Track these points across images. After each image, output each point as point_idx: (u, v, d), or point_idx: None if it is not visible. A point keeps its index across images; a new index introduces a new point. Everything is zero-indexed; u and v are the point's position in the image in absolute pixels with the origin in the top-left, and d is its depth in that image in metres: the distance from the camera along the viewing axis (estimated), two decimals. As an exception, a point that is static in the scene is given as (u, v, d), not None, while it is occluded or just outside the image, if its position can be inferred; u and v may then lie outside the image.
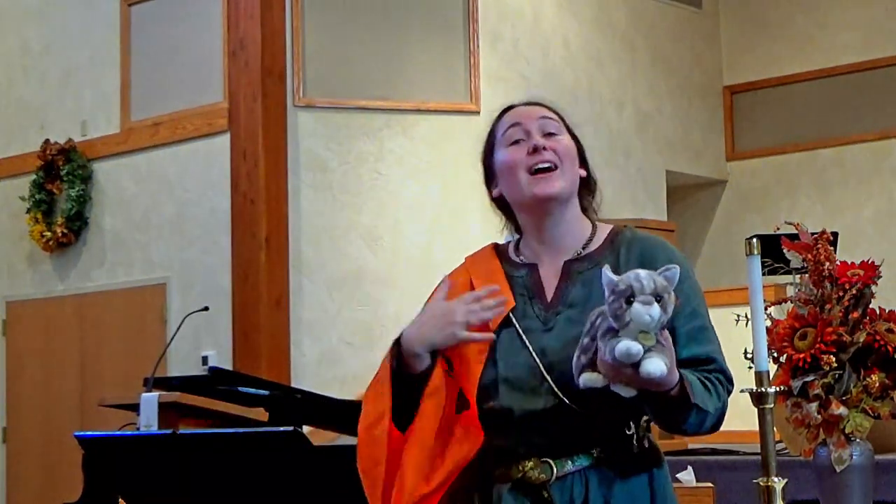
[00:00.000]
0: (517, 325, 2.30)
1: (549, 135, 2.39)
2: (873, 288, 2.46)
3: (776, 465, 2.13)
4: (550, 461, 2.24)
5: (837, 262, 2.47)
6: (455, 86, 8.15)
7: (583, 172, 2.44)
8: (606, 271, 2.07)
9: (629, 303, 2.02)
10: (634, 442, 2.26)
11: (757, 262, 2.14)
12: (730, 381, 2.28)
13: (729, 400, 2.27)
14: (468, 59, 8.22)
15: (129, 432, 2.13)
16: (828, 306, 2.41)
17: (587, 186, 2.47)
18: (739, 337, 2.47)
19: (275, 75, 7.63)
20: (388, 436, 2.22)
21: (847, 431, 2.36)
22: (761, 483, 2.13)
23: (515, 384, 2.26)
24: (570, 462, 2.24)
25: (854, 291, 2.41)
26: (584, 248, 2.38)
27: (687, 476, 4.01)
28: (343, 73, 7.85)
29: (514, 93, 8.49)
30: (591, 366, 2.11)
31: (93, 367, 8.35)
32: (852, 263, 2.47)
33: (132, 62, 8.50)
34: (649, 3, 9.74)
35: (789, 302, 2.50)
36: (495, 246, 2.46)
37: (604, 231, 2.43)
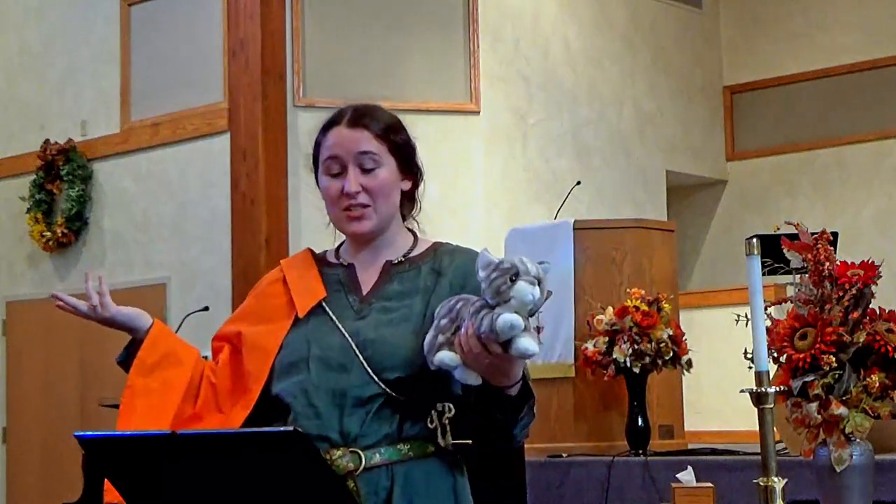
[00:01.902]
0: (329, 312, 2.35)
1: (367, 170, 2.37)
2: (873, 288, 2.46)
3: (776, 465, 2.13)
4: (359, 451, 2.25)
5: (837, 262, 2.46)
6: (455, 86, 8.15)
7: (406, 186, 2.45)
8: (486, 252, 2.12)
9: (513, 280, 2.07)
10: (440, 438, 2.29)
11: (757, 262, 2.14)
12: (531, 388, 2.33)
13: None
14: (468, 59, 8.22)
15: (129, 432, 2.13)
16: (828, 306, 2.41)
17: (411, 198, 2.48)
18: (739, 337, 2.47)
19: (275, 75, 7.64)
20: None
21: (847, 431, 2.36)
22: (761, 483, 2.13)
23: (326, 361, 2.30)
24: (377, 454, 2.26)
25: (854, 291, 2.41)
26: (405, 256, 2.43)
27: (687, 476, 4.01)
28: (343, 73, 7.86)
29: (514, 93, 8.51)
30: (448, 346, 2.15)
31: (93, 367, 8.35)
32: (852, 263, 2.47)
33: (132, 62, 8.50)
34: (649, 3, 9.74)
35: (789, 302, 2.50)
36: (312, 252, 2.52)
37: (425, 243, 2.47)
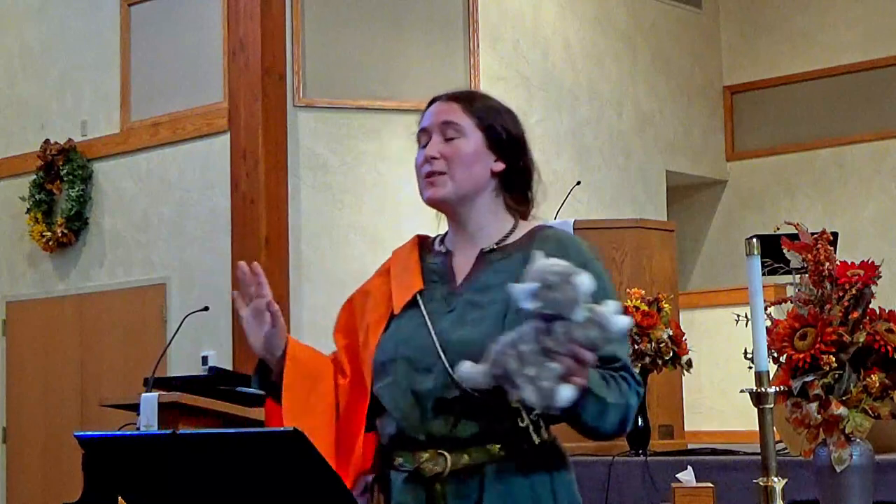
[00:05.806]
0: (423, 307, 2.33)
1: (448, 139, 2.39)
2: (873, 288, 2.46)
3: (776, 465, 2.13)
4: (446, 453, 2.23)
5: (837, 262, 2.46)
6: (455, 86, 8.13)
7: (498, 167, 2.41)
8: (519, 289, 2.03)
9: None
10: (533, 435, 2.25)
11: (757, 262, 2.14)
12: (638, 382, 2.26)
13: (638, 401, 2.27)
14: (468, 59, 8.22)
15: (129, 432, 2.13)
16: (828, 306, 2.41)
17: (510, 182, 2.42)
18: (739, 337, 2.47)
19: (275, 75, 7.63)
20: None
21: (847, 431, 2.36)
22: (761, 483, 2.13)
23: (411, 362, 2.28)
24: (466, 456, 2.23)
25: (854, 291, 2.41)
26: (498, 243, 2.39)
27: (687, 476, 4.01)
28: (343, 73, 7.85)
29: (514, 93, 8.50)
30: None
31: (93, 367, 8.35)
32: (852, 263, 2.47)
33: (132, 62, 8.50)
34: (649, 3, 9.74)
35: (789, 302, 2.50)
36: (421, 238, 2.51)
37: (525, 228, 2.42)
